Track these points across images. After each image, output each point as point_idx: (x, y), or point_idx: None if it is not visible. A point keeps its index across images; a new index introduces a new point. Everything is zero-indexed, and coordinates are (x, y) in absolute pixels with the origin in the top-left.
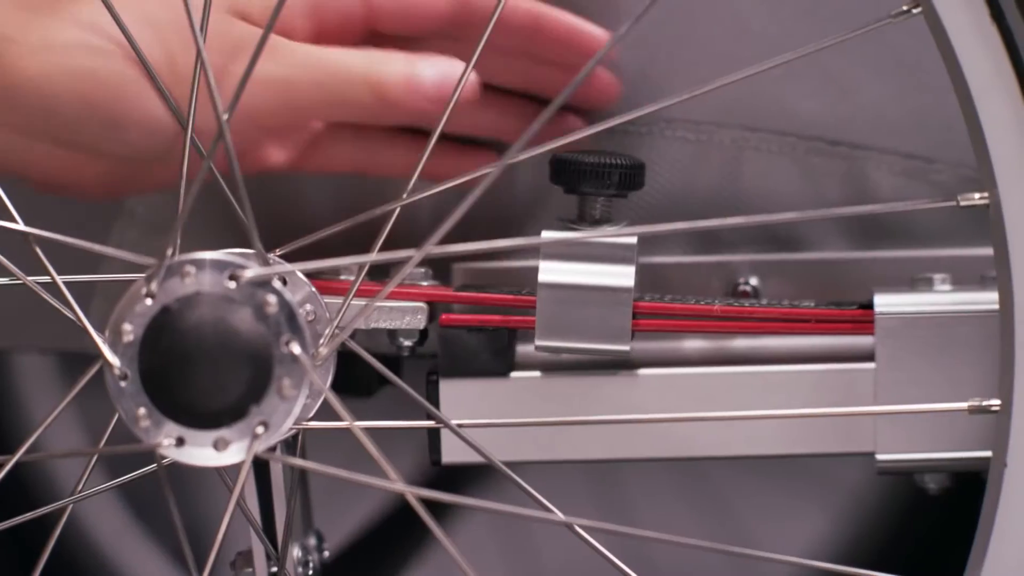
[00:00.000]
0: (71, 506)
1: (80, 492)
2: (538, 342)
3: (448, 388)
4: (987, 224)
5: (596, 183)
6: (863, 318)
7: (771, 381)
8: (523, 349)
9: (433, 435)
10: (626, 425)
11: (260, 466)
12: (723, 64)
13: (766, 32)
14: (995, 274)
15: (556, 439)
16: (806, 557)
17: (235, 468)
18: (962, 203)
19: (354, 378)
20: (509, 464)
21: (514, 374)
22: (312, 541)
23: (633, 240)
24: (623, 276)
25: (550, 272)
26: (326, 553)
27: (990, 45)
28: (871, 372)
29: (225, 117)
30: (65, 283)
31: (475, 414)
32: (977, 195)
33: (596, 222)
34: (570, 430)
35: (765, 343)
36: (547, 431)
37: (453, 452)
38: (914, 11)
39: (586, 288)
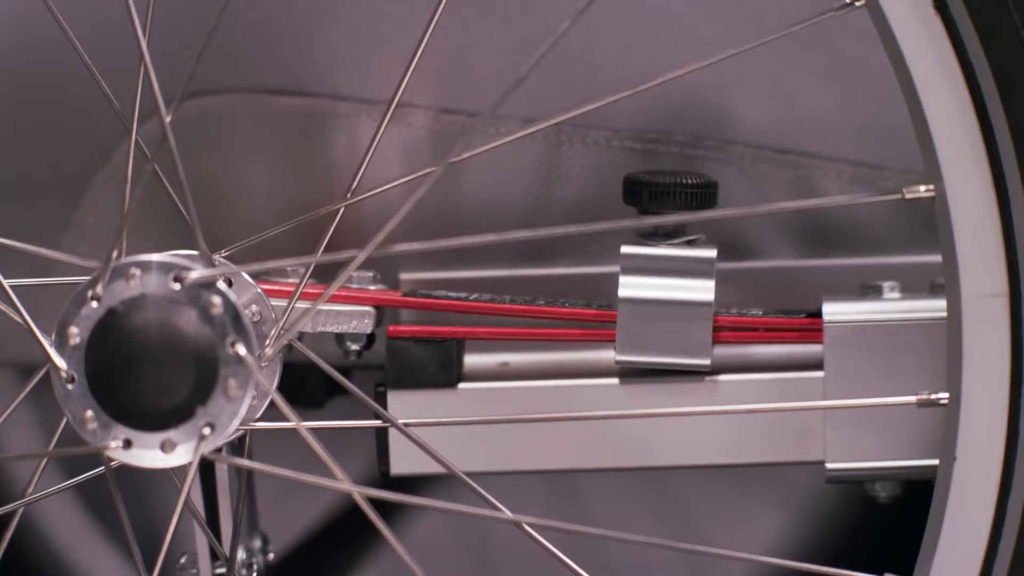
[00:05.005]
0: (23, 509)
1: (32, 494)
2: (618, 357)
3: (396, 399)
4: (936, 231)
5: (670, 203)
6: (812, 326)
7: (720, 390)
8: (471, 360)
9: (382, 446)
10: (580, 435)
11: (205, 467)
12: (667, 73)
13: (713, 40)
14: (944, 281)
15: (507, 449)
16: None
17: (183, 469)
18: (907, 196)
19: (303, 389)
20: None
21: (462, 385)
22: (257, 543)
23: (712, 254)
24: (703, 290)
25: (630, 287)
26: (271, 555)
27: (934, 36)
28: (820, 381)
29: (168, 119)
30: (13, 287)
31: (424, 430)
32: (923, 188)
33: (670, 238)
34: (521, 440)
35: (714, 352)
36: (497, 441)
37: (402, 463)
38: (857, 3)
39: (666, 303)
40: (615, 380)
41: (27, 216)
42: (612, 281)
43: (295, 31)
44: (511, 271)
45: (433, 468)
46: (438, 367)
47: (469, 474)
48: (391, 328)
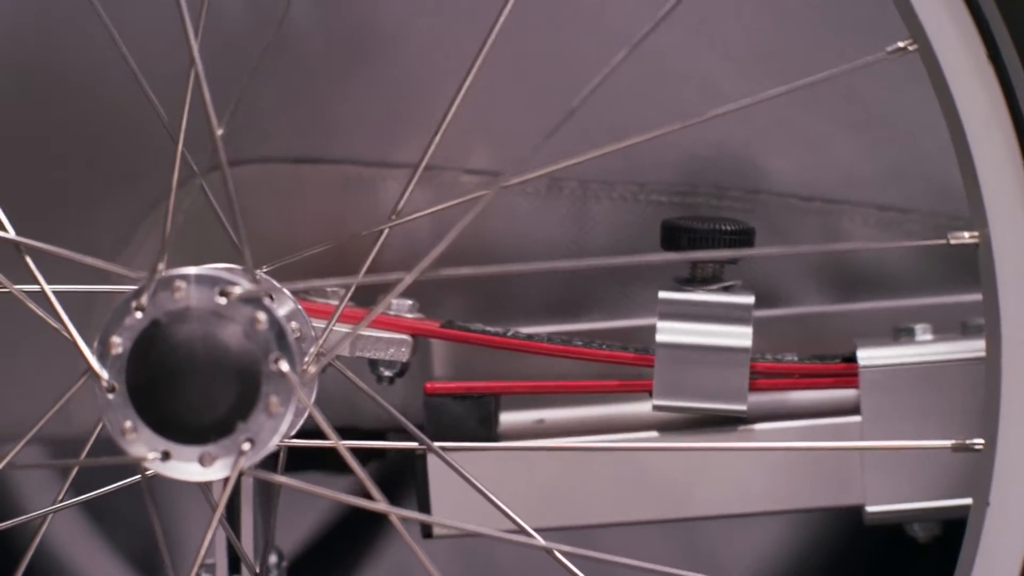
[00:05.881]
0: (49, 517)
1: (58, 503)
2: (655, 402)
3: (436, 457)
4: (963, 271)
5: (709, 248)
6: (847, 371)
7: (757, 438)
8: (506, 417)
9: (423, 506)
10: (617, 488)
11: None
12: (695, 126)
13: (736, 92)
14: (977, 321)
15: (546, 504)
16: (764, 563)
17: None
18: (952, 242)
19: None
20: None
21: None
22: (273, 558)
23: (750, 300)
24: (740, 336)
25: (668, 332)
26: (285, 572)
27: (986, 83)
28: (857, 425)
29: (219, 132)
30: (56, 294)
31: (463, 482)
32: (967, 234)
33: (707, 284)
34: (560, 495)
35: (749, 399)
36: (536, 497)
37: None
38: (910, 48)
39: (704, 348)
40: (653, 433)
41: (90, 231)
42: (644, 335)
43: (316, 100)
44: (544, 327)
45: (472, 525)
46: (476, 423)
47: (508, 531)
48: (428, 385)
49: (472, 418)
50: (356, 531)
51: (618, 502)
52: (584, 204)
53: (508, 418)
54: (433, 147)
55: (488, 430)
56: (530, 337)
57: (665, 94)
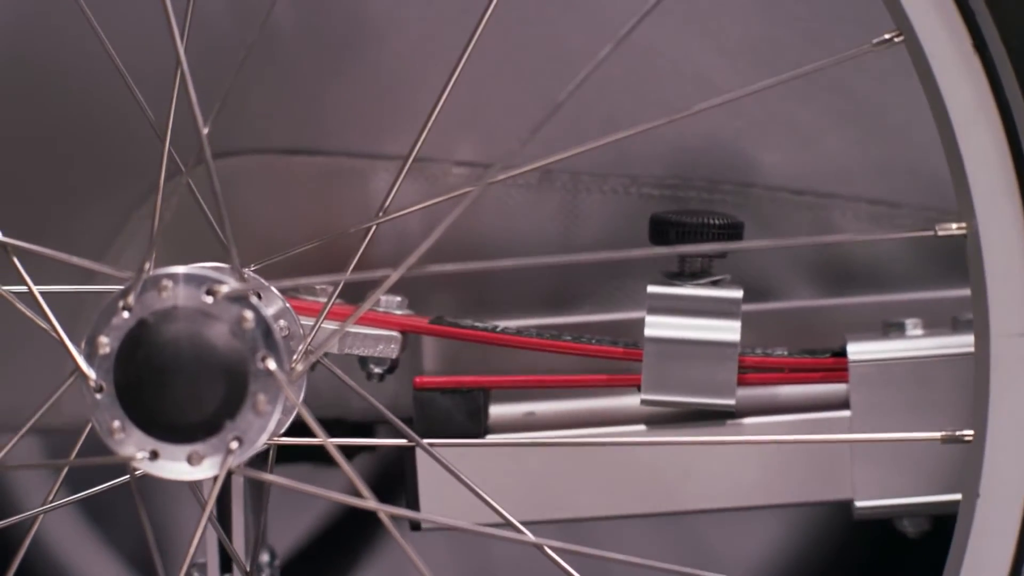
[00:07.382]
0: (40, 517)
1: (49, 503)
2: (644, 396)
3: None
4: (954, 266)
5: (698, 242)
6: (837, 366)
7: (746, 432)
8: (496, 410)
9: (411, 499)
10: (607, 481)
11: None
12: (686, 118)
13: (729, 86)
14: (967, 317)
15: (535, 498)
16: (760, 564)
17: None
18: (940, 232)
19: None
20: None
21: (489, 437)
22: (265, 557)
23: (739, 294)
24: (729, 331)
25: (656, 327)
26: (278, 570)
27: (972, 74)
28: (846, 420)
29: (205, 131)
30: (43, 294)
31: (452, 477)
32: (955, 225)
33: (696, 278)
34: (549, 489)
35: (738, 393)
36: (525, 491)
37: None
38: (896, 39)
39: (692, 343)
40: (642, 426)
41: (76, 231)
42: (635, 327)
43: (308, 91)
44: (534, 320)
45: (461, 522)
46: (465, 417)
47: (498, 526)
48: (418, 379)
49: (461, 412)
50: (352, 530)
51: (607, 496)
52: (575, 197)
53: (498, 410)
54: (421, 141)
55: (477, 424)
56: (519, 332)
57: (657, 87)
